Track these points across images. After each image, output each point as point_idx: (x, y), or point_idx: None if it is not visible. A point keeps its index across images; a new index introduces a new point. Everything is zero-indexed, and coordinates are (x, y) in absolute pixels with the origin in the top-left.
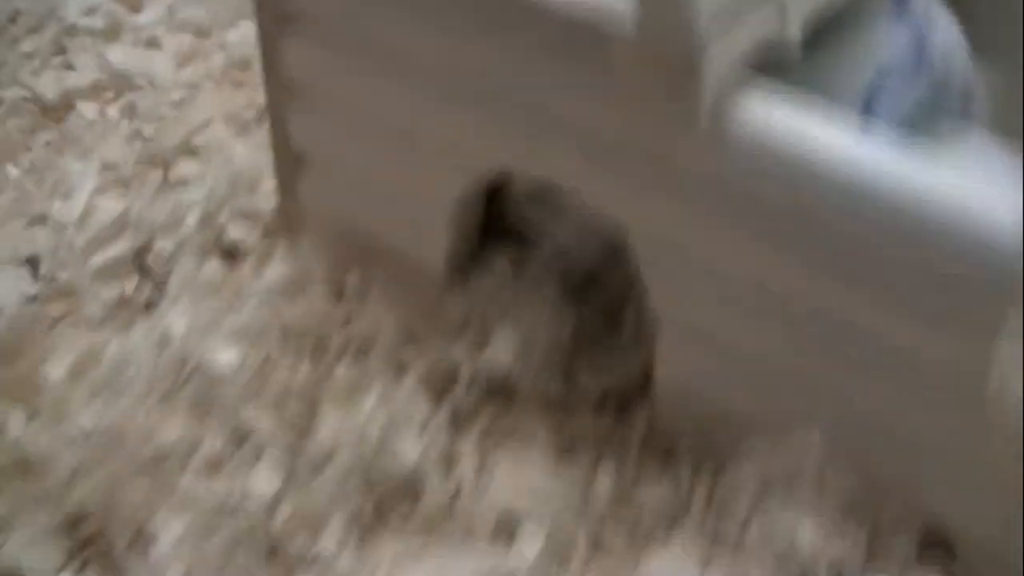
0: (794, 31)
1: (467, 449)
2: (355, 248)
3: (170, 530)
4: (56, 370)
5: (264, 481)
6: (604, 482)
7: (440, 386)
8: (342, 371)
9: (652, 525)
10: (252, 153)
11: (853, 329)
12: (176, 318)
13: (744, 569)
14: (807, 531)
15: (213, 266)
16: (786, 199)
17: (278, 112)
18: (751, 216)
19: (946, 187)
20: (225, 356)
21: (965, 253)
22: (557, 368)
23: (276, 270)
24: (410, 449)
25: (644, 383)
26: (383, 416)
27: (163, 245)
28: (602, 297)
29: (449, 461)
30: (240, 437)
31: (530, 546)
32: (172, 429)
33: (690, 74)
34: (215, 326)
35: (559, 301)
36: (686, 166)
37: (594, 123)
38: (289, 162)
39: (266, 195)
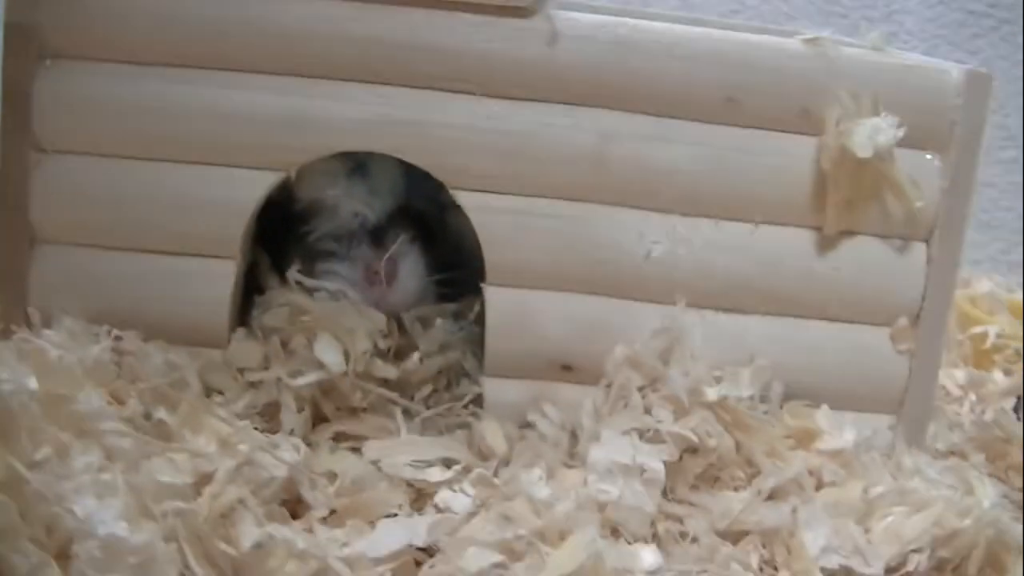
0: None
1: (327, 455)
2: (117, 322)
3: None
4: None
5: None
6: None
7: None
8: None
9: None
10: None
11: None
12: None
13: None
14: None
15: None
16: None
17: (15, 191)
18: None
19: None
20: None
21: None
22: (384, 362)
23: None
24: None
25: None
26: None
27: None
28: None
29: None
30: None
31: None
32: None
33: None
34: None
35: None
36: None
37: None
38: (22, 250)
39: None
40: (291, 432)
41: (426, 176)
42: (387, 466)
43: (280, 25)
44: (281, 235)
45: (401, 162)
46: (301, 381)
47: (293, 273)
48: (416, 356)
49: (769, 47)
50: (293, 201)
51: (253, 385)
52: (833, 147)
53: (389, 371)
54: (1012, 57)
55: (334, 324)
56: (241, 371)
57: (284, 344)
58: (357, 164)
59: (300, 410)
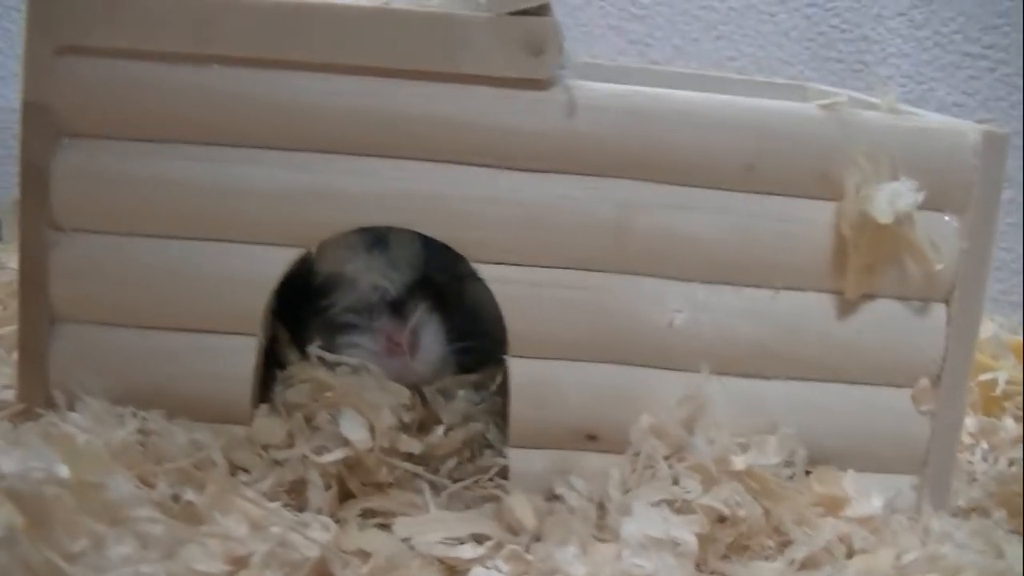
0: None
1: (357, 533)
2: (137, 400)
3: None
4: None
5: None
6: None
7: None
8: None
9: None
10: None
11: None
12: None
13: None
14: None
15: None
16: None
17: (34, 270)
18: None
19: None
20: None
21: None
22: (408, 436)
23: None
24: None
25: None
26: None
27: None
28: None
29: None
30: None
31: None
32: None
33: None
34: None
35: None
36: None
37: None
38: (42, 330)
39: None
40: (319, 510)
41: (443, 246)
42: (419, 544)
43: (298, 100)
44: (300, 308)
45: (419, 233)
46: (327, 458)
47: (314, 349)
48: (440, 429)
49: (786, 113)
50: (312, 274)
51: (278, 463)
52: (853, 213)
53: (413, 445)
54: (1009, 99)
55: (358, 400)
56: (265, 448)
57: (308, 420)
58: (377, 237)
59: (327, 487)
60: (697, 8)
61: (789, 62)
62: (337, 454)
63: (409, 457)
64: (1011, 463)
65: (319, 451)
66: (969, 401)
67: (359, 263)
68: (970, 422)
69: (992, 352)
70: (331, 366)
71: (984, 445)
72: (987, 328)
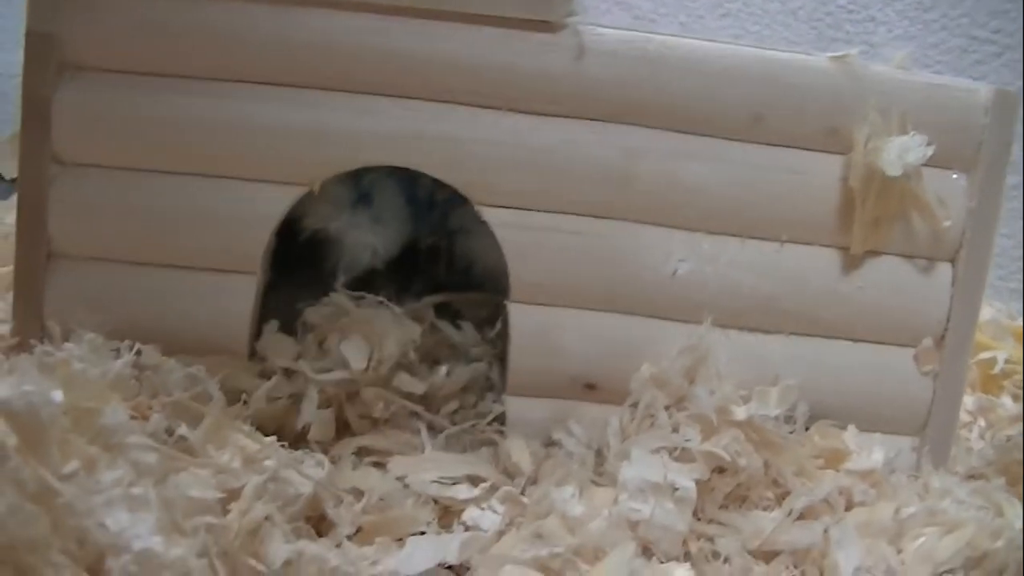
0: None
1: (351, 472)
2: (133, 337)
3: None
4: None
5: None
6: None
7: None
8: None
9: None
10: None
11: None
12: None
13: None
14: None
15: None
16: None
17: (34, 203)
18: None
19: None
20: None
21: None
22: (412, 367)
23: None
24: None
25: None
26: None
27: None
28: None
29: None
30: None
31: (487, 521)
32: None
33: None
34: None
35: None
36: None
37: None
38: (39, 264)
39: None
40: (308, 429)
41: (430, 204)
42: (413, 483)
43: (304, 38)
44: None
45: (404, 190)
46: (325, 377)
47: (340, 287)
48: (443, 370)
49: (796, 65)
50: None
51: (284, 374)
52: (862, 165)
53: (416, 386)
54: (1015, 83)
55: (367, 327)
56: (264, 362)
57: (320, 343)
58: (361, 194)
59: (322, 407)
60: None
61: (795, 42)
62: (335, 375)
63: (410, 397)
64: (1008, 439)
65: (319, 371)
66: (968, 379)
67: (344, 221)
68: (969, 400)
69: (992, 334)
70: (356, 299)
71: (982, 423)
72: (986, 312)
